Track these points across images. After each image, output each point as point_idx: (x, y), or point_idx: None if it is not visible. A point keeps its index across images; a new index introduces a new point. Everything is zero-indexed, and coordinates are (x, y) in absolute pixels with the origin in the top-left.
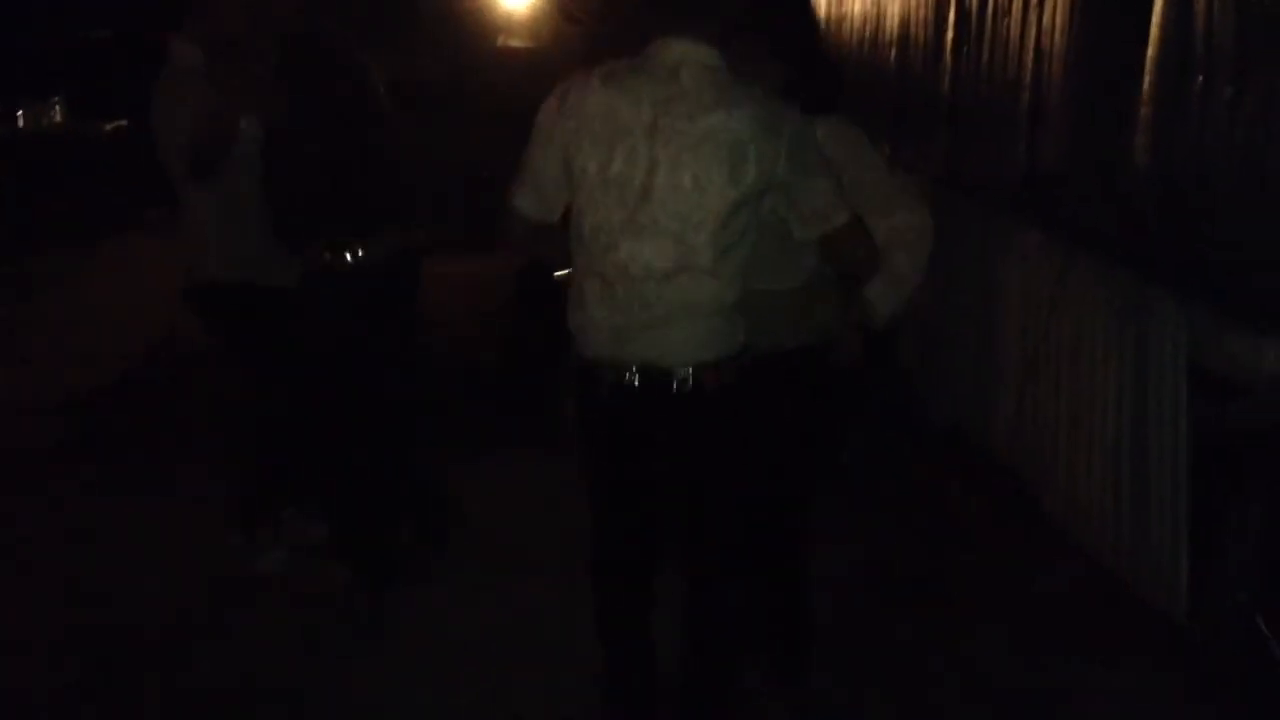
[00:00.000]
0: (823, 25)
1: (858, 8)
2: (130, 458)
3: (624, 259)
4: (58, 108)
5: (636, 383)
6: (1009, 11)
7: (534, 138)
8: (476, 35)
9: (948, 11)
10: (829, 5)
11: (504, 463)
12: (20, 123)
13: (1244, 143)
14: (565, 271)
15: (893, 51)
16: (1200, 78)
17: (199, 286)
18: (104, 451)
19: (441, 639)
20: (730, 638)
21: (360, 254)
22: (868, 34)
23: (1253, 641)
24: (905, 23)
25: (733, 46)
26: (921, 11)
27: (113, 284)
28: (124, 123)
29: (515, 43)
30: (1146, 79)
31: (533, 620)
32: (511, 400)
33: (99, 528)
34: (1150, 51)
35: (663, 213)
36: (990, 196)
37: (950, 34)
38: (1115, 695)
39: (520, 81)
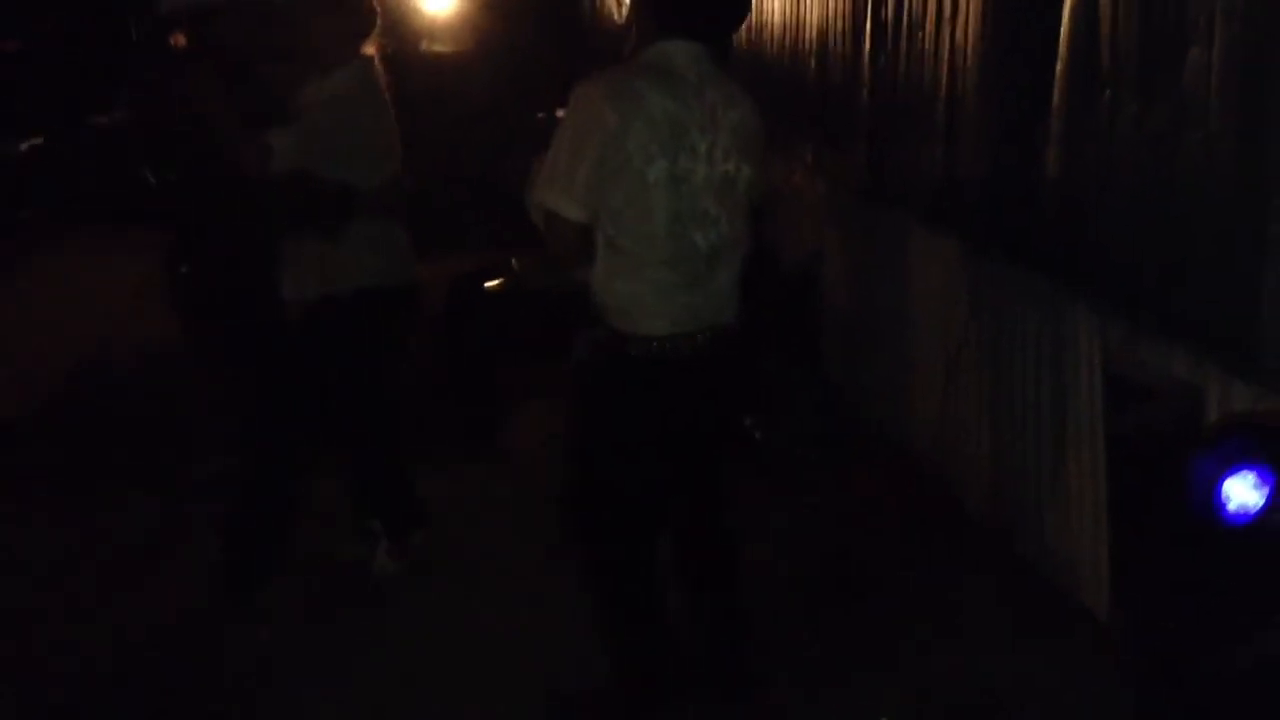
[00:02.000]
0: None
1: (777, 18)
2: (64, 481)
3: (693, 244)
4: None
5: (707, 344)
6: (923, 25)
7: (584, 143)
8: (400, 40)
9: (864, 24)
10: (750, 14)
11: (454, 474)
12: None
13: (1151, 155)
14: (497, 281)
15: (812, 62)
16: (1108, 91)
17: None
18: (39, 475)
19: (431, 649)
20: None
21: None
22: (788, 44)
23: (1171, 633)
24: (824, 34)
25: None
26: (840, 23)
27: (34, 305)
28: (39, 140)
29: (439, 48)
30: (1056, 92)
31: (519, 625)
32: (454, 412)
33: (43, 552)
34: (1059, 65)
35: (724, 198)
36: (909, 205)
37: (868, 46)
38: (1042, 689)
39: (446, 86)
